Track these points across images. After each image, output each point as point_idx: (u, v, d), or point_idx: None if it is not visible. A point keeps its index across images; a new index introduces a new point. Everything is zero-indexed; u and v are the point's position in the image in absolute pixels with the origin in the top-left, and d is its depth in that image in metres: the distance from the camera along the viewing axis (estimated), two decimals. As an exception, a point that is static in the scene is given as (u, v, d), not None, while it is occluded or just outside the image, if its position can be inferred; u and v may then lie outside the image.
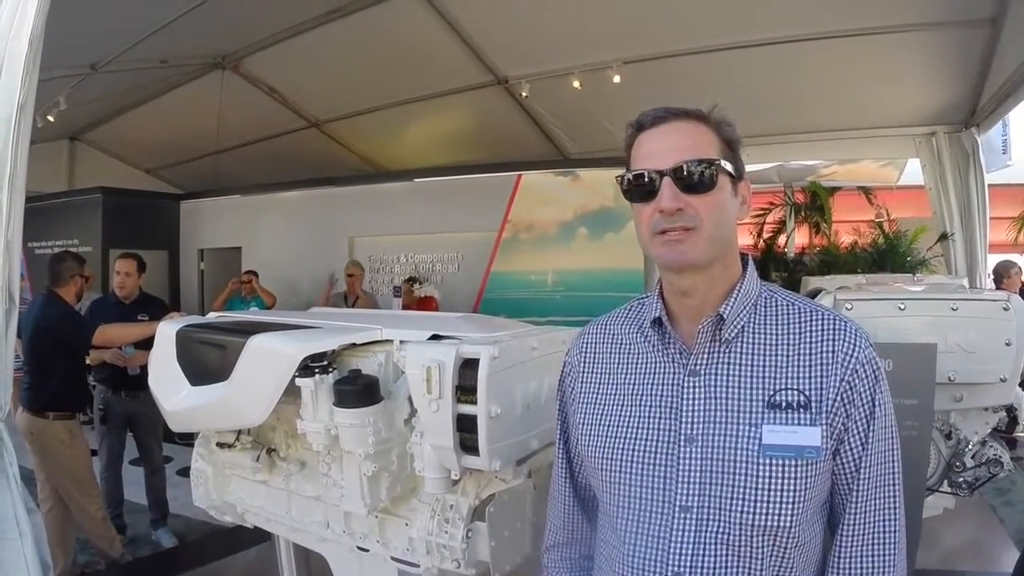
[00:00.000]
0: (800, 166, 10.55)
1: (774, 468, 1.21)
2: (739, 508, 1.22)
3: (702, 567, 1.23)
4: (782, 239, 10.61)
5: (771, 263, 10.18)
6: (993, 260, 7.98)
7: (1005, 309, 3.38)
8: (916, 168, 8.43)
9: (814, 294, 4.50)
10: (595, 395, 1.42)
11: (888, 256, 8.93)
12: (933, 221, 8.09)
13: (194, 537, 5.19)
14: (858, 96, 7.43)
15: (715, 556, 1.23)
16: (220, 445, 2.49)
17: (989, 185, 7.73)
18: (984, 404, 3.60)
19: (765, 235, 10.55)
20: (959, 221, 7.69)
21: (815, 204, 10.35)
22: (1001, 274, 7.80)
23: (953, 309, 3.40)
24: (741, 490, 1.22)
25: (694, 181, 1.24)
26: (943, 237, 7.83)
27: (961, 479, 3.67)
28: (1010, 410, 3.80)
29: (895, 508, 1.28)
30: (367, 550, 2.31)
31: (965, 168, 7.62)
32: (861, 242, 9.56)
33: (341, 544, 2.39)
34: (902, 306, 3.44)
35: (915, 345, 3.28)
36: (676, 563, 1.24)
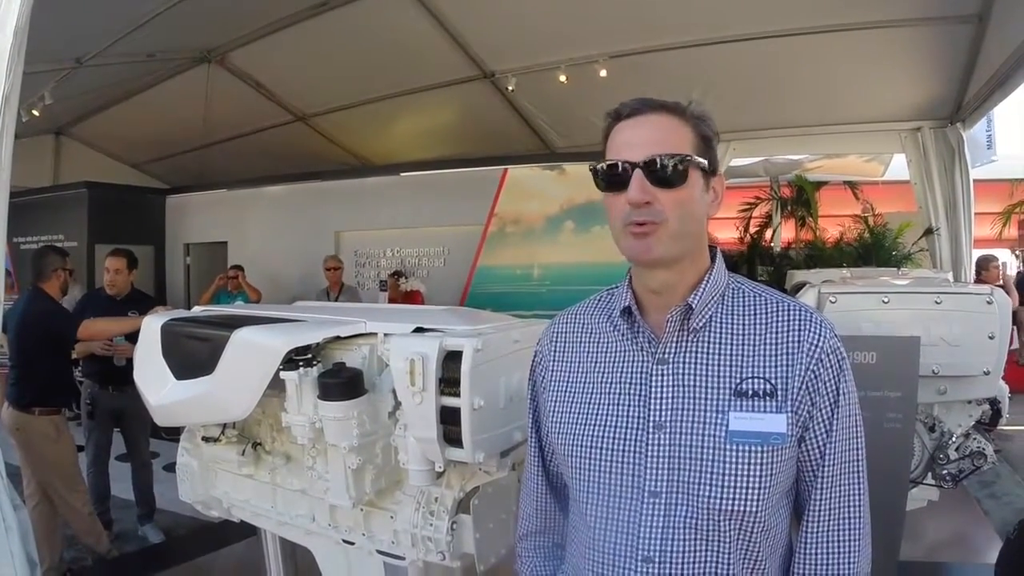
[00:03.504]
0: (786, 161, 10.62)
1: (740, 454, 1.23)
2: (707, 493, 1.23)
3: (671, 551, 1.24)
4: (768, 233, 10.65)
5: (757, 257, 10.23)
6: (978, 255, 8.06)
7: (989, 302, 3.41)
8: (901, 163, 8.48)
9: (799, 287, 4.52)
10: (565, 383, 1.43)
11: (873, 250, 8.99)
12: (918, 216, 8.16)
13: (181, 532, 5.18)
14: (844, 91, 7.47)
15: (683, 540, 1.24)
16: (205, 439, 2.48)
17: (974, 180, 7.78)
18: (968, 397, 3.64)
19: (752, 230, 10.58)
20: (944, 216, 7.76)
21: (801, 198, 10.39)
22: (981, 267, 7.91)
23: (937, 302, 3.43)
24: (708, 475, 1.23)
25: (664, 175, 1.25)
26: (928, 232, 7.90)
27: (945, 471, 3.71)
28: (993, 403, 3.83)
29: (859, 494, 1.30)
30: (353, 543, 2.31)
31: (950, 163, 7.69)
32: (847, 236, 9.61)
33: (327, 537, 2.39)
34: (886, 299, 3.46)
35: (899, 338, 3.30)
36: (645, 547, 1.25)
